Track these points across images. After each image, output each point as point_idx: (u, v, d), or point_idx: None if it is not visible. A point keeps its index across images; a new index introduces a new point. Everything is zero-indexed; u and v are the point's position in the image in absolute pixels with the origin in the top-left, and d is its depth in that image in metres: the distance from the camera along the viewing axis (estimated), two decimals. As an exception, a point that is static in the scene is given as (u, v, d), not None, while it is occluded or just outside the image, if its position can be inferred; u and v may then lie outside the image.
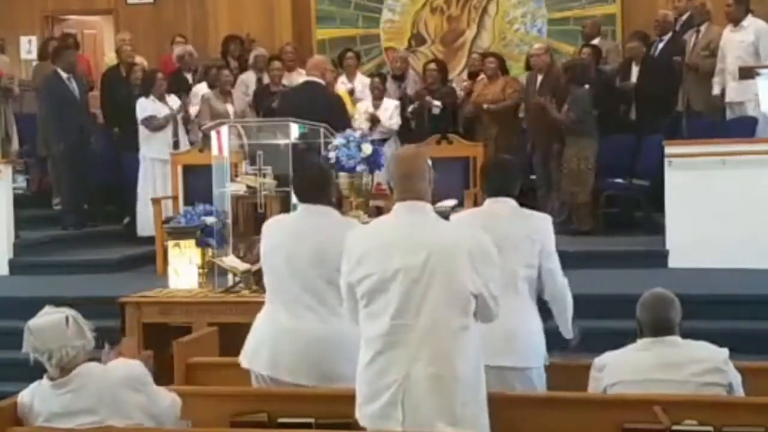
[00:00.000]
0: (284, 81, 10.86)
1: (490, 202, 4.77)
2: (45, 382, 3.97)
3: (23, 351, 3.94)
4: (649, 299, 4.38)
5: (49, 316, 3.96)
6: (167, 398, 4.08)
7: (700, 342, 4.32)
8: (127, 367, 4.00)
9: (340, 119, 8.14)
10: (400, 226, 3.89)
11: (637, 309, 4.38)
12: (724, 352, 4.27)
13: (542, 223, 4.76)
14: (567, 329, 4.82)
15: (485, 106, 10.39)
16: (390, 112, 10.53)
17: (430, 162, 4.00)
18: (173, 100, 10.35)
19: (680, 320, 4.34)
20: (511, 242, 4.54)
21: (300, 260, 4.56)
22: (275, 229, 4.78)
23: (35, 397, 4.00)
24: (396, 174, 3.98)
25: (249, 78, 11.34)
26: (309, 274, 4.53)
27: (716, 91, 10.02)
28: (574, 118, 9.61)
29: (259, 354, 4.65)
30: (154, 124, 10.11)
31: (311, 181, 4.79)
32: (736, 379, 4.25)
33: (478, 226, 4.27)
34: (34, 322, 3.95)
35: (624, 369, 4.29)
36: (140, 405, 3.93)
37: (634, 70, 10.54)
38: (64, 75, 10.30)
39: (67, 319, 3.92)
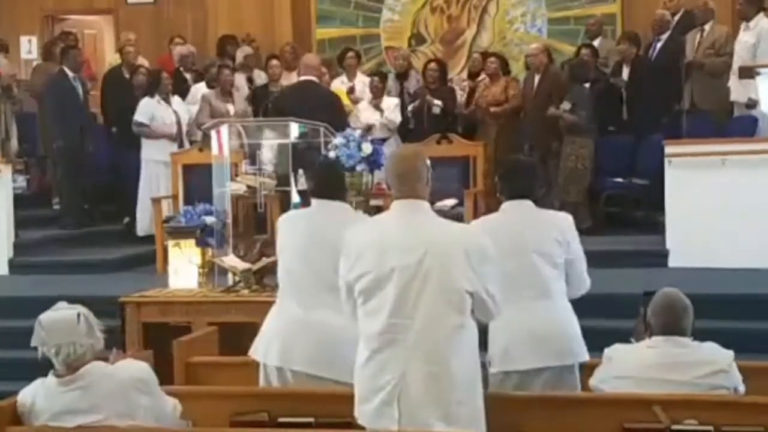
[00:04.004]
0: (283, 80, 10.83)
1: (508, 205, 4.68)
2: (50, 379, 3.95)
3: (32, 344, 3.92)
4: (660, 303, 4.32)
5: (61, 311, 3.95)
6: (170, 403, 4.07)
7: (708, 343, 4.30)
8: (135, 368, 3.99)
9: (336, 117, 8.11)
10: (397, 225, 3.89)
11: (648, 310, 4.34)
12: (730, 354, 4.26)
13: (564, 222, 4.73)
14: None
15: (492, 109, 10.37)
16: (390, 111, 10.52)
17: (428, 162, 3.99)
18: (176, 101, 10.31)
19: (692, 323, 4.31)
20: (535, 245, 4.54)
21: (316, 255, 4.56)
22: (290, 225, 4.81)
23: (38, 395, 3.98)
24: (393, 172, 3.97)
25: (239, 78, 11.28)
26: (324, 269, 4.48)
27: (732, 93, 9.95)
28: (584, 117, 9.62)
29: (271, 347, 4.64)
30: (144, 132, 10.06)
31: (327, 177, 4.82)
32: (739, 380, 4.24)
33: (499, 230, 4.31)
34: (45, 316, 3.93)
35: (630, 364, 4.28)
36: (145, 406, 3.92)
37: (625, 71, 10.54)
38: (70, 74, 10.30)
39: (79, 316, 3.91)
